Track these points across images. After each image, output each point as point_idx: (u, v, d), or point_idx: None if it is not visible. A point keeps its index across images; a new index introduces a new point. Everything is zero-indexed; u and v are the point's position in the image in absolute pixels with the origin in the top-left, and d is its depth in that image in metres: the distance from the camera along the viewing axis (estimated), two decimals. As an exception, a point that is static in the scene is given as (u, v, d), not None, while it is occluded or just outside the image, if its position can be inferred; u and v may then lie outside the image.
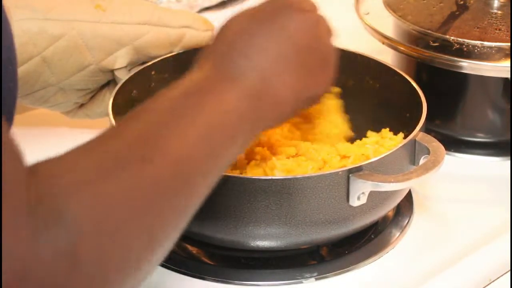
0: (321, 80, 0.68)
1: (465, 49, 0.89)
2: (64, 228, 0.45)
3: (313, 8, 0.68)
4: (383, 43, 0.93)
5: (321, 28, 0.68)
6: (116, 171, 0.49)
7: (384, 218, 0.82)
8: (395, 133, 0.84)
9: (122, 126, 0.55)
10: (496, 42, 0.89)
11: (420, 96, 0.82)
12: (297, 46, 0.64)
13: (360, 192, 0.71)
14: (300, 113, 0.81)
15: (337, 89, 0.86)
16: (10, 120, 0.57)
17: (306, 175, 0.72)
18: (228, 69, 0.61)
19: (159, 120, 0.55)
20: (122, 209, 0.48)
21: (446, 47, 0.89)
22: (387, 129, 0.85)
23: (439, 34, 0.90)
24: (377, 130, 0.87)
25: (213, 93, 0.59)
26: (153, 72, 0.86)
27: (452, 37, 0.90)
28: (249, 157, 0.81)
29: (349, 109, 0.91)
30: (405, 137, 0.80)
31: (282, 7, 0.65)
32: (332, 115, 0.85)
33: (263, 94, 0.61)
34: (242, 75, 0.61)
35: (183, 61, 0.83)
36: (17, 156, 0.45)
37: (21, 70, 0.81)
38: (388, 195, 0.76)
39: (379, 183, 0.71)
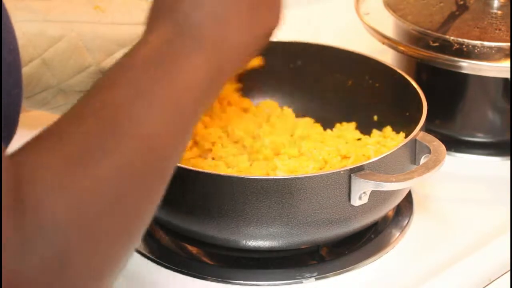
0: (273, 14, 0.64)
1: (465, 49, 0.89)
2: (48, 238, 0.45)
3: None
4: (383, 43, 0.93)
5: None
6: (86, 164, 0.48)
7: (384, 218, 0.82)
8: (396, 133, 0.84)
9: (83, 109, 0.52)
10: (496, 42, 0.89)
11: (420, 96, 0.82)
12: None
13: (362, 192, 0.71)
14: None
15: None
16: (14, 131, 0.57)
17: (308, 175, 0.72)
18: (183, 24, 0.57)
19: (121, 100, 0.52)
20: (98, 203, 0.48)
21: (446, 47, 0.89)
22: (389, 127, 0.85)
23: (439, 34, 0.90)
24: (378, 129, 0.87)
25: (176, 58, 0.56)
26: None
27: (452, 37, 0.90)
28: (252, 157, 0.82)
29: (349, 109, 0.91)
30: (405, 137, 0.80)
31: None
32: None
33: (223, 42, 0.58)
34: (198, 27, 0.57)
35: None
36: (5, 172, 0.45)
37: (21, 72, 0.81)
38: (389, 194, 0.76)
39: (381, 183, 0.71)
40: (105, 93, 0.53)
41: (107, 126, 0.50)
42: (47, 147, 0.48)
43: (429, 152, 0.75)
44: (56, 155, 0.48)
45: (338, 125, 0.89)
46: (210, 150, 0.83)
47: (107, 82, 0.54)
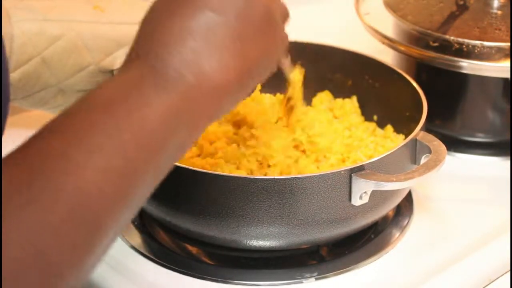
0: (268, 45, 0.59)
1: (465, 49, 0.89)
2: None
3: None
4: (383, 43, 0.93)
5: None
6: (39, 199, 0.46)
7: (384, 218, 0.82)
8: (396, 133, 0.84)
9: (45, 138, 0.49)
10: (496, 42, 0.89)
11: (420, 96, 0.82)
12: (223, 17, 0.56)
13: (362, 192, 0.71)
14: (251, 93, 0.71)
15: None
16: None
17: (308, 175, 0.72)
18: (153, 65, 0.54)
19: (77, 138, 0.49)
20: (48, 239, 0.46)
21: (446, 47, 0.89)
22: (390, 126, 0.85)
23: (439, 34, 0.90)
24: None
25: (141, 98, 0.52)
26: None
27: (452, 37, 0.90)
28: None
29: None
30: (405, 137, 0.80)
31: None
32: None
33: (196, 83, 0.54)
34: (169, 68, 0.54)
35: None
36: None
37: (20, 71, 0.81)
38: (389, 194, 0.76)
39: (381, 183, 0.71)
40: (54, 135, 0.50)
41: (63, 161, 0.48)
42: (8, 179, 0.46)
43: (430, 152, 0.75)
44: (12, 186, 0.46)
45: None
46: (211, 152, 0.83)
47: (67, 119, 0.51)
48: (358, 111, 0.89)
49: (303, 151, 0.82)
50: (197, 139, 0.57)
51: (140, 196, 0.52)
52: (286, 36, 0.62)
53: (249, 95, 0.62)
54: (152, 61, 0.54)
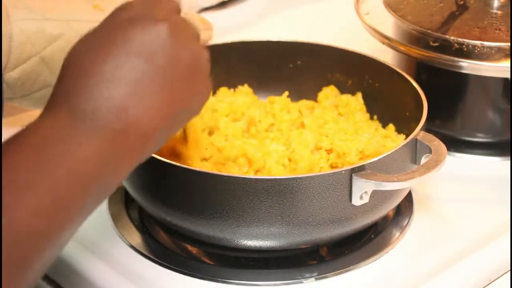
0: (196, 87, 0.60)
1: (465, 49, 0.89)
2: None
3: (166, 13, 0.59)
4: (383, 43, 0.93)
5: (179, 33, 0.59)
6: None
7: (384, 218, 0.82)
8: (396, 133, 0.84)
9: None
10: (496, 42, 0.89)
11: (420, 95, 0.82)
12: (151, 63, 0.57)
13: (363, 192, 0.71)
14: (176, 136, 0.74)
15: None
16: None
17: (309, 175, 0.72)
18: (76, 110, 0.54)
19: (6, 178, 0.50)
20: None
21: (446, 47, 0.89)
22: (392, 125, 0.85)
23: (439, 34, 0.90)
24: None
25: (71, 140, 0.53)
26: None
27: (452, 37, 0.89)
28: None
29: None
30: (405, 137, 0.80)
31: (122, 23, 0.57)
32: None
33: (123, 129, 0.55)
34: (93, 113, 0.54)
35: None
36: None
37: (19, 70, 0.81)
38: (390, 194, 0.76)
39: (382, 182, 0.71)
40: None
41: None
42: None
43: (430, 151, 0.75)
44: None
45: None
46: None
47: None
48: (364, 108, 0.89)
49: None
50: (122, 180, 0.58)
51: (68, 235, 0.53)
52: (210, 84, 0.62)
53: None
54: (82, 105, 0.55)
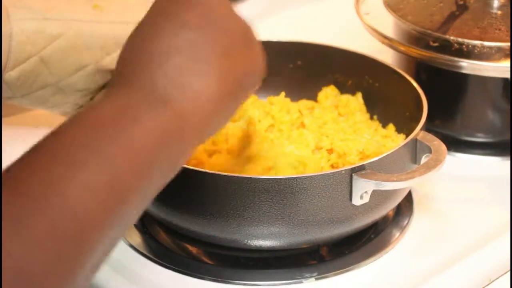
0: (253, 58, 0.60)
1: (465, 49, 0.89)
2: None
3: None
4: (383, 43, 0.93)
5: (227, 5, 0.59)
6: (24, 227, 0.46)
7: (384, 218, 0.82)
8: (397, 133, 0.84)
9: (24, 174, 0.48)
10: (496, 42, 0.89)
11: (420, 95, 0.82)
12: (206, 34, 0.56)
13: (363, 191, 0.71)
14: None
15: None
16: None
17: (309, 175, 0.72)
18: (142, 85, 0.54)
19: (61, 154, 0.49)
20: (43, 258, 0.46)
21: (446, 47, 0.89)
22: (392, 125, 0.85)
23: (439, 34, 0.90)
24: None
25: (130, 117, 0.53)
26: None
27: (452, 37, 0.89)
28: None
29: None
30: (405, 137, 0.80)
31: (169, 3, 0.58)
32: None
33: (187, 101, 0.55)
34: (158, 87, 0.54)
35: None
36: None
37: (19, 69, 0.81)
38: (390, 194, 0.76)
39: (382, 182, 0.71)
40: (53, 158, 0.49)
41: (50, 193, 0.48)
42: None
43: (430, 151, 0.75)
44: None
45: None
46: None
47: (54, 145, 0.51)
48: (364, 108, 0.89)
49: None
50: (189, 157, 0.57)
51: (129, 216, 0.52)
52: (263, 56, 0.62)
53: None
54: (140, 81, 0.55)
